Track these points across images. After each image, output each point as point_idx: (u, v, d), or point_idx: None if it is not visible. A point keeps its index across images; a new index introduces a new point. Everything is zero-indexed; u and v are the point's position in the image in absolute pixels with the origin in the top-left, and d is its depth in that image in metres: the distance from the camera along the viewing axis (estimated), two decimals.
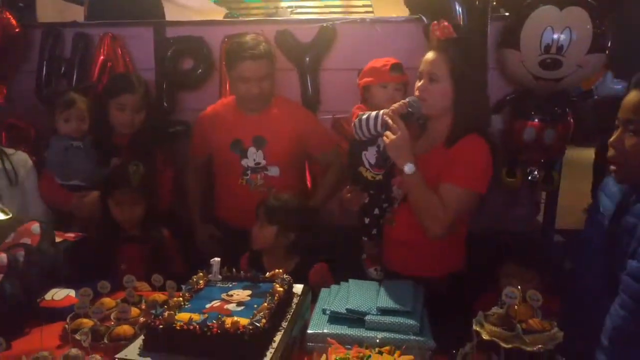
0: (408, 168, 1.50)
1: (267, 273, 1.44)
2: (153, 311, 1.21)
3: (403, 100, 1.57)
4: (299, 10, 6.57)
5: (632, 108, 1.14)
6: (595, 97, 1.95)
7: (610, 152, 1.18)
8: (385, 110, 1.56)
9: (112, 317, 1.41)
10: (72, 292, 1.53)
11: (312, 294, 1.48)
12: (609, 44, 1.86)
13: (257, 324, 1.10)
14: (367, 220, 1.75)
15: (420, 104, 1.56)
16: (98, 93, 2.20)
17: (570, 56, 1.82)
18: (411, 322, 1.30)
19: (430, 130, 1.66)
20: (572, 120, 2.01)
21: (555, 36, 1.81)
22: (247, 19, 3.06)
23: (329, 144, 2.16)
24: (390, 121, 1.52)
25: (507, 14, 2.05)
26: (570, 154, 2.15)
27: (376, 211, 1.74)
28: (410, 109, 1.55)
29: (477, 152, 1.53)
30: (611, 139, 1.18)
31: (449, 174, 1.53)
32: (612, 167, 1.20)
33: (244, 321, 1.11)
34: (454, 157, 1.53)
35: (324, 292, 1.53)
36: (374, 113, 1.59)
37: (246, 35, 2.03)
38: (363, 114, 1.63)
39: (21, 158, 2.06)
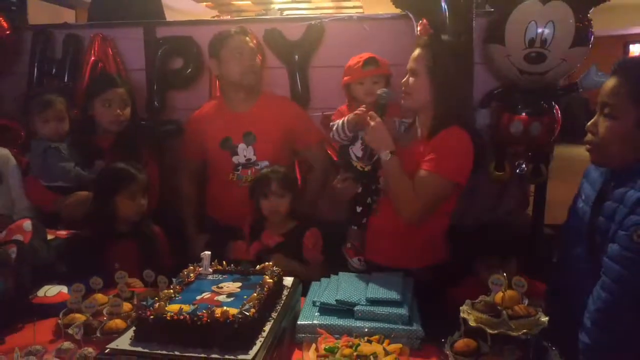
0: (384, 155, 1.60)
1: (257, 266, 1.46)
2: (144, 302, 1.22)
3: (360, 108, 1.72)
4: (289, 12, 6.61)
5: (608, 92, 1.19)
6: (580, 90, 1.97)
7: (587, 136, 1.23)
8: (349, 116, 1.73)
9: (104, 312, 1.42)
10: (64, 289, 1.54)
11: (302, 286, 1.50)
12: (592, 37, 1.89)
13: (247, 313, 1.11)
14: (359, 209, 1.79)
15: (389, 94, 1.69)
16: (80, 94, 2.20)
17: (554, 50, 1.85)
18: (400, 311, 1.32)
19: (416, 124, 1.73)
20: (559, 113, 2.04)
21: (539, 30, 1.84)
22: (236, 18, 3.08)
23: (314, 139, 2.18)
24: (364, 118, 1.65)
25: (491, 9, 2.08)
26: (561, 150, 2.18)
27: (369, 200, 1.78)
28: (379, 100, 1.69)
29: (454, 142, 1.59)
30: (588, 123, 1.22)
31: (424, 161, 1.59)
32: (588, 148, 1.25)
33: (233, 311, 1.12)
34: (432, 147, 1.59)
35: (314, 285, 1.55)
36: (340, 121, 1.77)
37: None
38: (333, 124, 1.81)
39: (2, 154, 2.06)
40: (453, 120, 1.60)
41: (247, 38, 2.06)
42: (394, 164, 1.59)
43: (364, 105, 1.74)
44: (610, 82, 1.20)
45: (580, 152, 1.31)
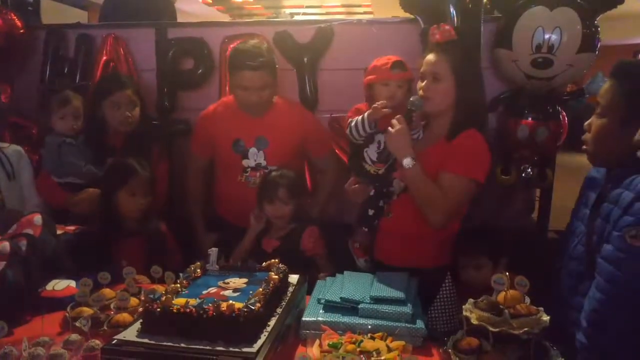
0: (406, 162, 1.58)
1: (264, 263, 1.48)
2: (151, 295, 1.24)
3: (380, 102, 1.70)
4: (300, 16, 6.67)
5: (601, 92, 1.22)
6: (586, 95, 1.99)
7: (584, 135, 1.26)
8: (369, 112, 1.70)
9: (111, 307, 1.45)
10: (72, 283, 1.56)
11: (307, 285, 1.51)
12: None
13: (252, 307, 1.12)
14: (371, 212, 1.78)
15: (421, 102, 1.66)
16: (91, 94, 2.23)
17: (561, 55, 1.86)
18: (404, 309, 1.33)
19: (432, 127, 1.74)
20: (565, 119, 2.05)
21: (546, 36, 1.86)
22: (247, 20, 3.11)
23: (325, 148, 2.19)
24: (388, 117, 1.62)
25: (499, 15, 2.10)
26: (567, 159, 2.18)
27: (380, 203, 1.78)
28: (412, 107, 1.66)
29: (476, 144, 1.62)
30: (585, 123, 1.26)
31: (448, 164, 1.60)
32: (584, 147, 1.29)
33: (239, 305, 1.14)
34: (454, 149, 1.61)
35: (319, 283, 1.57)
36: (359, 117, 1.73)
37: (249, 40, 2.07)
38: (351, 121, 1.76)
39: (15, 150, 2.11)
40: (471, 124, 1.63)
41: (257, 75, 1.94)
42: (417, 171, 1.59)
43: (383, 101, 1.71)
44: (607, 84, 1.23)
45: (583, 160, 1.35)
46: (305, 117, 2.16)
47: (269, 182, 1.92)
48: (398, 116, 1.63)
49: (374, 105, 1.70)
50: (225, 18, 7.89)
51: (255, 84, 1.95)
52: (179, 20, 2.78)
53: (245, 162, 2.07)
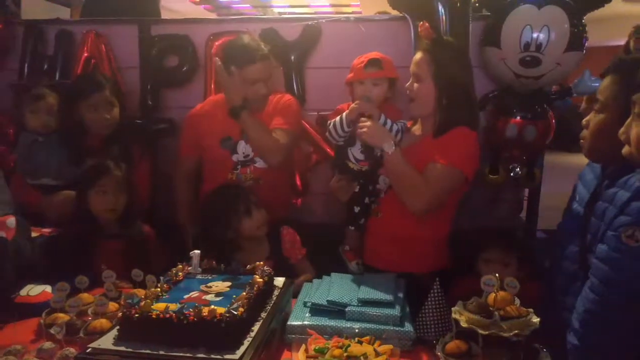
0: (387, 146, 1.58)
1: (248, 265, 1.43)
2: (129, 300, 1.18)
3: (357, 101, 1.71)
4: (288, 15, 6.63)
5: (601, 89, 1.23)
6: (574, 94, 1.98)
7: (582, 131, 1.26)
8: (346, 112, 1.71)
9: (89, 312, 1.39)
10: (48, 288, 1.50)
11: (293, 287, 1.47)
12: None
13: (235, 312, 1.08)
14: (357, 209, 1.76)
15: (366, 102, 1.69)
16: (67, 95, 2.12)
17: (549, 54, 1.85)
18: (392, 312, 1.30)
19: (421, 126, 1.73)
20: (552, 118, 2.04)
21: (535, 34, 1.84)
22: (232, 17, 3.06)
23: (283, 122, 2.01)
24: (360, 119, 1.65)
25: (488, 13, 2.08)
26: (555, 158, 2.18)
27: (366, 200, 1.76)
28: (360, 108, 1.68)
29: (463, 138, 1.61)
30: (584, 119, 1.25)
31: (435, 156, 1.59)
32: (581, 143, 1.29)
33: (221, 310, 1.10)
34: (442, 144, 1.60)
35: (306, 285, 1.53)
36: (337, 118, 1.74)
37: (241, 36, 2.03)
38: (330, 123, 1.77)
39: None
40: (459, 123, 1.61)
41: (266, 65, 1.96)
42: (397, 156, 1.58)
43: (357, 101, 1.72)
44: (605, 80, 1.22)
45: (572, 159, 1.35)
46: (281, 98, 2.09)
47: (235, 193, 1.84)
48: (362, 119, 1.64)
49: (352, 105, 1.70)
50: (213, 17, 7.82)
51: (265, 74, 1.95)
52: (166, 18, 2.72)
53: (235, 157, 2.03)
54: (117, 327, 1.12)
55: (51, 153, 1.99)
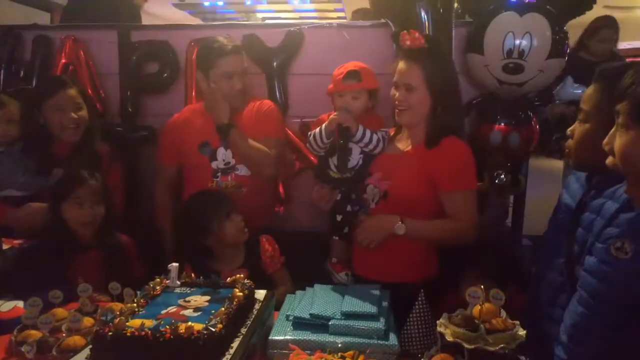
0: (398, 229, 1.59)
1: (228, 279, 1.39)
2: (103, 318, 1.14)
3: (336, 112, 1.70)
4: (271, 21, 6.60)
5: (585, 98, 1.21)
6: (556, 101, 1.99)
7: (567, 141, 1.25)
8: (325, 123, 1.71)
9: (63, 329, 1.33)
10: (20, 304, 1.44)
11: (275, 301, 1.44)
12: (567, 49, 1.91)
13: (213, 329, 1.05)
14: (339, 218, 1.74)
15: (344, 115, 1.67)
16: (28, 97, 2.03)
17: (532, 61, 1.85)
18: (376, 325, 1.27)
19: (410, 133, 1.72)
20: (536, 124, 2.04)
21: (517, 41, 1.85)
22: (213, 23, 3.04)
23: (269, 132, 2.02)
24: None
25: (470, 19, 2.08)
26: (540, 163, 2.18)
27: (348, 208, 1.73)
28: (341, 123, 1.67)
29: (462, 153, 1.63)
30: (569, 129, 1.25)
31: (447, 181, 1.60)
32: (566, 152, 1.29)
33: (198, 326, 1.05)
34: (441, 160, 1.60)
35: (289, 297, 1.49)
36: (317, 129, 1.74)
37: (212, 37, 2.00)
38: (310, 134, 1.77)
39: None
40: (449, 130, 1.62)
41: (240, 58, 1.96)
42: (414, 226, 1.60)
43: (336, 113, 1.70)
44: (589, 89, 1.21)
45: (555, 164, 1.35)
46: (262, 104, 2.06)
47: (219, 200, 1.80)
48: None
49: (331, 116, 1.70)
50: (197, 22, 7.74)
51: (239, 68, 1.95)
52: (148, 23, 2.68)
53: (214, 164, 1.99)
54: (90, 347, 1.07)
55: (14, 163, 1.89)
